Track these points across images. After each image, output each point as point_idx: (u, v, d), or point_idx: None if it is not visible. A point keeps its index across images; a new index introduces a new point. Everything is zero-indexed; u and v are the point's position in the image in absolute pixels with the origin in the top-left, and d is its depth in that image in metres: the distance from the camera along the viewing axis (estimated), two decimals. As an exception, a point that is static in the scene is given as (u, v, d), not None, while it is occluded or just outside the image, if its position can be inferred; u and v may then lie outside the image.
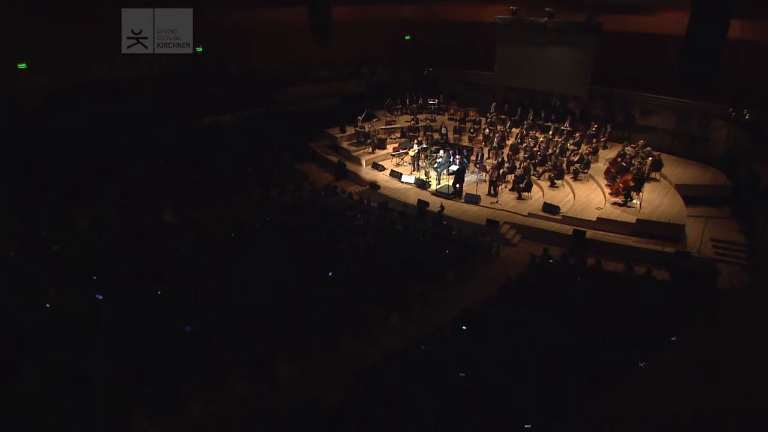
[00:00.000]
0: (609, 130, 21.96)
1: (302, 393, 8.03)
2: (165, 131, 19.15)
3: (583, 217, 16.43)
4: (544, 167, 19.92)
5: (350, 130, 23.46)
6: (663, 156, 19.49)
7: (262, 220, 14.83)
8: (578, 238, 15.40)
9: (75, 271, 10.40)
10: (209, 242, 12.82)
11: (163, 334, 8.06)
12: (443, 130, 23.36)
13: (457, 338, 9.35)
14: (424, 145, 21.39)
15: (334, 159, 22.09)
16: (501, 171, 18.97)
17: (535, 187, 18.95)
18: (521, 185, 18.37)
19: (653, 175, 19.01)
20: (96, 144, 17.05)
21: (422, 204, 17.52)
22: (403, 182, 19.88)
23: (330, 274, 11.41)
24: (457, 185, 18.54)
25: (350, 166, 21.57)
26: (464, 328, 9.64)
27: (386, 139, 23.26)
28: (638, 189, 16.70)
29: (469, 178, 19.88)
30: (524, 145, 21.52)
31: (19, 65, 16.97)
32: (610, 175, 18.50)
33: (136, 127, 18.19)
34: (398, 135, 23.99)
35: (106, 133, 17.44)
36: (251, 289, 10.12)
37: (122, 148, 17.50)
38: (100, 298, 9.14)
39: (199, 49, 16.04)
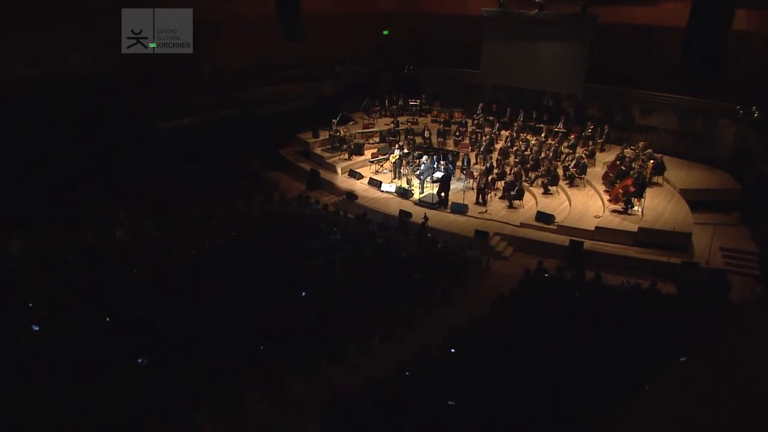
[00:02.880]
0: (606, 131, 22.23)
1: (274, 428, 7.92)
2: (115, 137, 18.87)
3: (580, 227, 16.55)
4: (536, 173, 20.06)
5: (324, 135, 23.42)
6: (665, 158, 19.74)
7: (226, 235, 14.70)
8: (575, 250, 15.50)
9: (4, 298, 10.13)
10: (166, 261, 12.64)
11: (113, 368, 7.88)
12: (426, 134, 23.45)
13: (445, 362, 9.32)
14: (406, 151, 21.43)
15: (307, 167, 22.01)
16: (490, 177, 19.06)
17: (527, 195, 19.06)
18: (512, 193, 18.47)
19: (655, 179, 19.25)
20: (32, 152, 16.70)
21: (404, 215, 17.51)
22: (383, 191, 19.87)
23: (303, 294, 11.34)
24: (443, 194, 18.58)
25: (324, 174, 21.50)
26: (453, 350, 9.61)
27: (364, 144, 23.26)
28: (639, 195, 16.89)
29: (456, 185, 19.92)
30: (515, 148, 21.66)
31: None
32: (609, 180, 18.70)
33: (81, 133, 17.88)
34: (377, 139, 24.01)
35: (45, 139, 17.09)
36: (215, 313, 9.98)
37: (64, 157, 17.18)
38: (36, 329, 8.90)
39: (153, 45, 16.15)
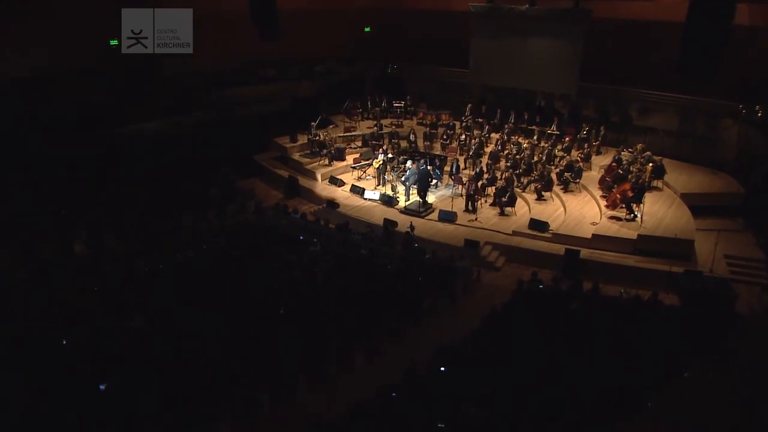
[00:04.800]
0: (602, 132, 22.35)
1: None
2: (74, 142, 18.65)
3: (576, 234, 16.59)
4: (529, 177, 20.12)
5: (303, 139, 23.36)
6: (665, 161, 19.86)
7: (197, 248, 14.58)
8: (571, 259, 15.53)
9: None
10: (131, 278, 12.49)
11: (71, 395, 7.72)
12: (412, 137, 23.44)
13: (434, 381, 9.26)
14: (390, 155, 21.40)
15: (284, 173, 21.93)
16: (480, 183, 19.07)
17: (519, 201, 19.07)
18: (503, 199, 18.50)
19: (655, 183, 19.37)
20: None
21: (389, 224, 17.46)
22: (366, 199, 19.84)
23: (281, 311, 11.26)
24: (425, 199, 18.61)
25: (303, 181, 21.43)
26: (442, 369, 9.56)
27: (345, 148, 23.23)
28: (638, 200, 16.95)
29: (444, 192, 19.94)
30: (506, 152, 21.74)
31: None
32: (606, 185, 18.78)
33: (35, 137, 17.65)
34: (359, 144, 23.99)
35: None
36: (184, 333, 9.85)
37: (17, 163, 16.94)
38: None
39: (115, 42, 16.12)
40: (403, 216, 18.37)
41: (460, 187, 19.60)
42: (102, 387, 7.96)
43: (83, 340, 9.39)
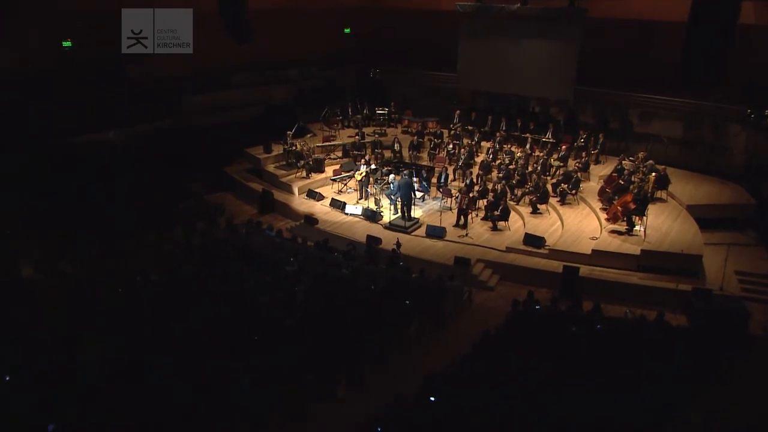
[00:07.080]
0: (601, 140, 22.50)
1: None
2: (21, 152, 18.45)
3: (574, 250, 16.62)
4: (523, 189, 20.18)
5: (278, 149, 23.31)
6: (669, 170, 19.98)
7: (161, 269, 14.40)
8: (570, 277, 15.51)
9: None
10: (86, 304, 12.28)
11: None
12: (396, 147, 23.48)
13: (423, 413, 9.15)
14: (373, 166, 21.39)
15: (258, 187, 21.85)
16: (470, 196, 19.07)
17: (513, 215, 19.13)
18: (496, 213, 18.52)
19: (658, 194, 19.50)
20: None
21: (373, 241, 17.42)
22: (347, 214, 19.80)
23: (256, 337, 11.16)
24: (405, 209, 18.64)
25: (278, 195, 21.37)
26: (432, 399, 9.46)
27: (324, 159, 23.24)
28: (641, 212, 17.04)
29: (431, 205, 19.91)
30: (498, 162, 21.83)
31: None
32: (606, 197, 18.85)
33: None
34: (339, 154, 23.99)
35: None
36: (145, 363, 9.67)
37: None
38: None
39: (68, 44, 16.01)
40: (388, 232, 18.36)
41: (449, 200, 19.58)
42: (50, 429, 7.76)
43: (29, 375, 9.17)
